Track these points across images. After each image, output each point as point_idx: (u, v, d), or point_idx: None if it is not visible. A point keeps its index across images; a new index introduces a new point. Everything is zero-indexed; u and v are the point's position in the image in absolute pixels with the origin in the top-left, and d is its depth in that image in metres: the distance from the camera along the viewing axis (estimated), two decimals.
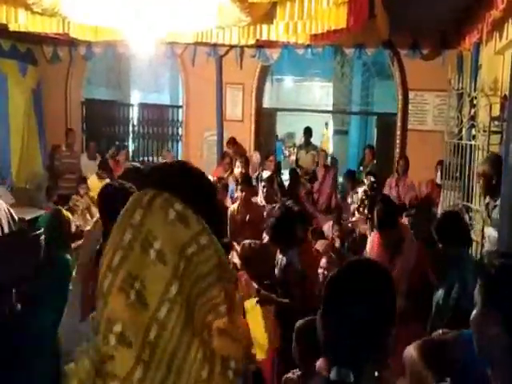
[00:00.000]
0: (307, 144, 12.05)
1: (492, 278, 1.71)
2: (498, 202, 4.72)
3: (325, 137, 19.36)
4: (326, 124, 20.00)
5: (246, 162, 8.02)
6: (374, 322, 1.62)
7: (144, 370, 1.32)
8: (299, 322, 3.93)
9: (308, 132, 12.03)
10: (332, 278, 1.72)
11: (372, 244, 5.14)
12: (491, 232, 4.70)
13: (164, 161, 7.57)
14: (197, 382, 1.36)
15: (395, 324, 1.69)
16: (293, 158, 17.78)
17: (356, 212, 7.34)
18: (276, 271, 4.74)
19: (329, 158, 18.14)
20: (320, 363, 3.80)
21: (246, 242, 5.27)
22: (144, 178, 1.58)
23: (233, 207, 6.65)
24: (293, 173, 10.27)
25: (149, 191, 1.45)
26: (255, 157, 9.51)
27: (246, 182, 6.74)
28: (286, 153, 22.07)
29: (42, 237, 3.70)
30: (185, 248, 1.39)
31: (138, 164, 4.35)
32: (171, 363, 1.34)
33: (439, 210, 6.67)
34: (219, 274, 1.43)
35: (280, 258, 4.72)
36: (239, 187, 6.63)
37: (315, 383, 3.70)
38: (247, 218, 6.48)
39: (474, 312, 1.70)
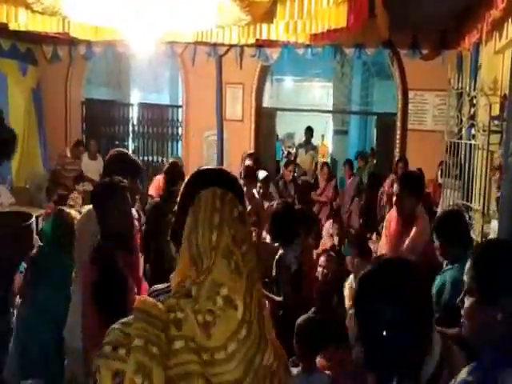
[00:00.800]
0: (307, 143, 12.08)
1: (481, 257, 1.73)
2: None
3: (324, 147, 19.30)
4: (323, 136, 19.98)
5: (256, 161, 8.00)
6: (413, 325, 1.57)
7: (248, 330, 1.45)
8: (300, 319, 3.96)
9: (309, 131, 12.07)
10: (365, 277, 1.67)
11: (389, 221, 5.10)
12: (495, 224, 4.72)
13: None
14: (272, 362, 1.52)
15: (432, 327, 1.66)
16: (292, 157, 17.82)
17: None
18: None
19: (329, 158, 18.22)
20: (320, 360, 3.82)
21: None
22: (204, 179, 1.71)
23: None
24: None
25: (217, 189, 1.61)
26: (247, 162, 9.46)
27: (249, 176, 6.76)
28: (286, 153, 22.05)
29: (33, 226, 3.69)
30: (242, 244, 1.56)
31: (123, 150, 4.32)
32: (262, 330, 1.51)
33: (439, 210, 6.68)
34: (257, 275, 1.60)
35: (278, 254, 4.74)
36: (243, 182, 6.65)
37: (315, 379, 3.74)
38: (248, 209, 6.53)
39: (468, 301, 1.70)
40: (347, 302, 4.88)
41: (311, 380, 3.76)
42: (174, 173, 5.77)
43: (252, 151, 8.51)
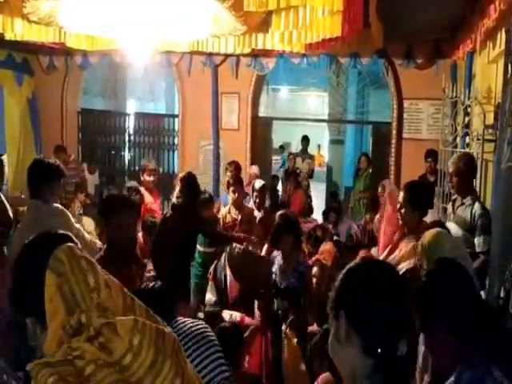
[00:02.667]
0: (304, 152, 12.14)
1: (420, 292, 1.82)
2: (465, 201, 4.75)
3: (320, 157, 19.39)
4: (319, 146, 20.03)
5: (237, 167, 7.90)
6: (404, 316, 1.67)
7: (143, 322, 1.54)
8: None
9: (305, 140, 12.14)
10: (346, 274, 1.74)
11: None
12: (452, 227, 4.72)
13: (150, 170, 7.49)
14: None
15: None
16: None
17: None
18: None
19: (325, 167, 18.21)
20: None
21: (234, 248, 5.36)
22: None
23: (224, 211, 6.74)
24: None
25: (67, 244, 1.70)
26: (254, 169, 9.36)
27: (237, 183, 6.71)
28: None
29: None
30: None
31: (41, 157, 4.56)
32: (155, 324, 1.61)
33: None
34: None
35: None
36: (231, 188, 6.60)
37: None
38: (239, 218, 6.57)
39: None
40: None
41: None
42: None
43: (234, 160, 8.43)
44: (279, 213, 5.03)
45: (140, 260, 3.80)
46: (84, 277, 1.56)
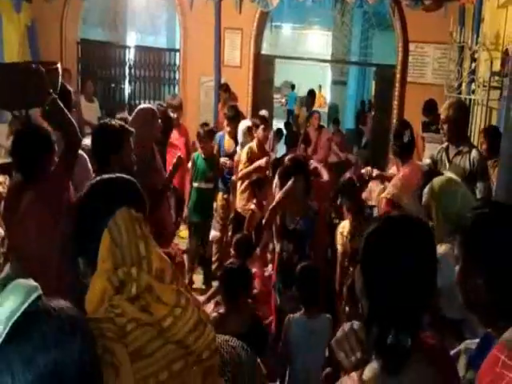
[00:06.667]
0: (309, 106, 12.12)
1: (468, 233, 1.74)
2: (462, 149, 4.70)
3: (321, 97, 19.20)
4: (320, 86, 19.81)
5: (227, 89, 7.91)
6: (421, 278, 1.63)
7: (187, 295, 1.57)
8: (300, 266, 4.19)
9: (311, 95, 12.11)
10: (372, 233, 1.70)
11: None
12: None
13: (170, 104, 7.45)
14: None
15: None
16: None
17: None
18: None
19: (326, 108, 18.14)
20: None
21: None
22: None
23: (249, 146, 6.81)
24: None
25: (130, 210, 1.61)
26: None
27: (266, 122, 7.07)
28: (283, 101, 21.98)
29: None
30: None
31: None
32: None
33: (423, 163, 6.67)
34: None
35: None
36: (262, 126, 6.84)
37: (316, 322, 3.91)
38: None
39: (457, 268, 1.74)
40: (339, 248, 4.99)
41: (312, 322, 3.96)
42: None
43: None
44: (288, 156, 5.08)
45: None
46: (136, 246, 1.53)
